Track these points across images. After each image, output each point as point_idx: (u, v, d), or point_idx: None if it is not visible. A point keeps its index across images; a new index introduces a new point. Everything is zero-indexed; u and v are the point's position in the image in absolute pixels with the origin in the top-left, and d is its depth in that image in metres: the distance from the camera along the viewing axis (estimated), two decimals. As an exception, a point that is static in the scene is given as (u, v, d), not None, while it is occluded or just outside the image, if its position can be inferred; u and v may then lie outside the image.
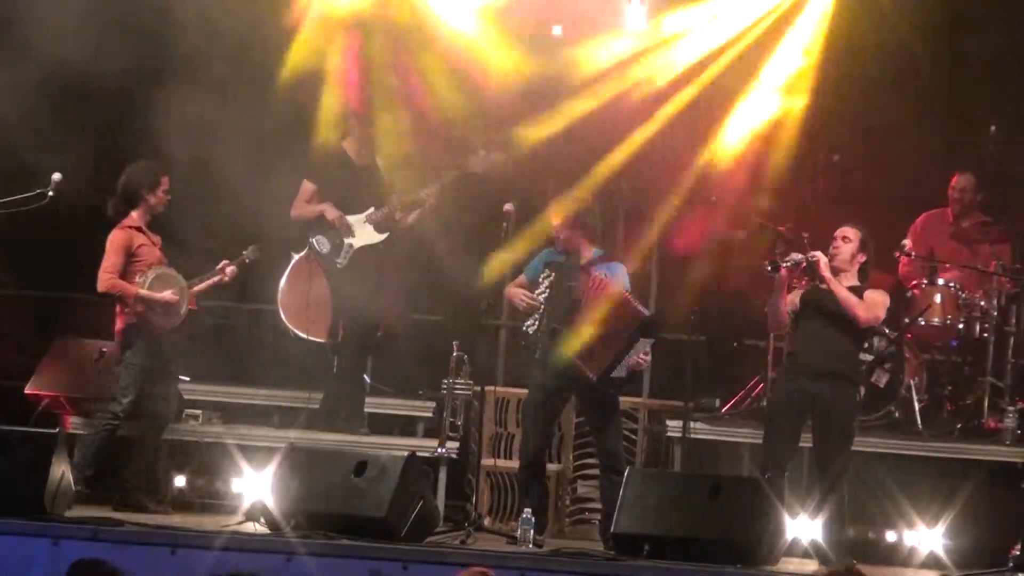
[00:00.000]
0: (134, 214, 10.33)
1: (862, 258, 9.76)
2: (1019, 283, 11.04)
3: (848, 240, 9.73)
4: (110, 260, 10.27)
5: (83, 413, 10.99)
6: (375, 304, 11.02)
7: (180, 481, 10.93)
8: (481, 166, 10.97)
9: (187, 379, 11.46)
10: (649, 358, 9.82)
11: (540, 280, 9.86)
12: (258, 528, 9.53)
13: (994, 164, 11.92)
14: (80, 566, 6.78)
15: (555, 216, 10.01)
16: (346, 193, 10.95)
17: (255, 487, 10.01)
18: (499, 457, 10.89)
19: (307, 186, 11.04)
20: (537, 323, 9.79)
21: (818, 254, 9.66)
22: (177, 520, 9.99)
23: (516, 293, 9.97)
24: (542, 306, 9.77)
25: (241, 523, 9.74)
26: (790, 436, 9.65)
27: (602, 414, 9.88)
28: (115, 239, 10.32)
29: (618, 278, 9.88)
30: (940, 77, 12.19)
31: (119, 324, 10.32)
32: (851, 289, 9.68)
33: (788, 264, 9.62)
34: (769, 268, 9.64)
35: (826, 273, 9.61)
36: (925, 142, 12.08)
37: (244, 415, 11.32)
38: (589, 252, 9.94)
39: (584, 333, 9.66)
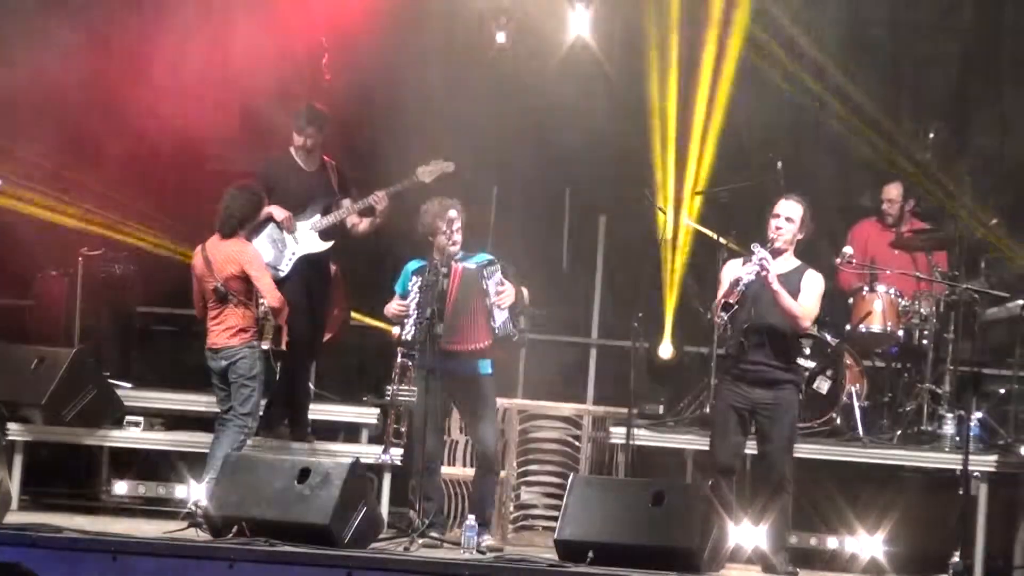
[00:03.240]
0: (243, 232, 10.28)
1: (800, 235, 9.74)
2: (957, 290, 11.13)
3: (791, 221, 9.66)
4: (268, 276, 10.23)
5: (20, 419, 10.90)
6: (319, 311, 11.02)
7: (121, 488, 10.86)
8: (430, 176, 10.97)
9: (128, 385, 11.43)
10: (507, 286, 9.88)
11: (410, 288, 9.93)
12: (200, 534, 9.48)
13: (933, 170, 12.03)
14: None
15: (451, 218, 9.96)
16: (294, 199, 10.91)
17: (197, 494, 9.98)
18: (443, 464, 10.86)
19: None
20: (413, 328, 9.84)
21: (766, 270, 9.54)
22: (118, 527, 9.93)
23: (389, 307, 10.04)
24: (415, 311, 9.83)
25: (183, 529, 9.68)
26: (735, 443, 9.65)
27: (477, 407, 9.95)
28: (259, 256, 10.31)
29: (477, 262, 9.98)
30: (879, 82, 12.30)
31: (240, 340, 10.14)
32: (790, 272, 9.63)
33: (744, 290, 9.54)
34: (724, 315, 9.51)
35: (775, 287, 9.57)
36: (863, 148, 12.19)
37: (186, 422, 11.26)
38: (456, 250, 10.03)
39: (452, 318, 9.78)
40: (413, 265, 10.03)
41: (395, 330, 10.33)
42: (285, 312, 10.25)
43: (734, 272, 9.68)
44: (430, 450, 9.94)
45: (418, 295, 9.86)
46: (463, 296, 9.85)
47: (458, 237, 9.96)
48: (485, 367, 9.97)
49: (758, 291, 9.57)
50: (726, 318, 9.51)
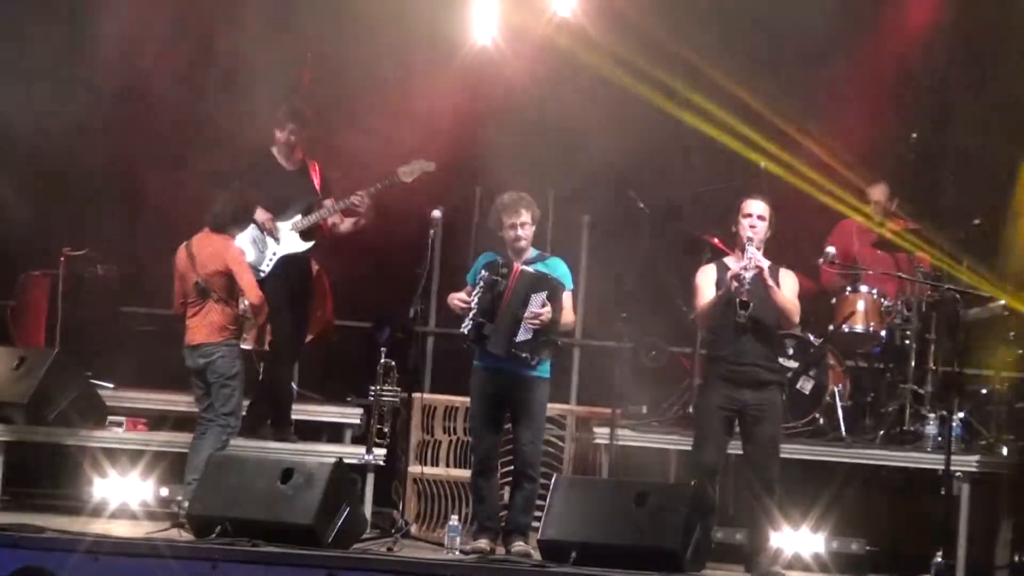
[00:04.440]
0: (231, 232, 10.26)
1: (769, 233, 9.78)
2: (939, 290, 11.15)
3: (763, 218, 9.72)
4: (251, 275, 10.21)
5: (2, 419, 10.87)
6: (301, 311, 10.99)
7: (103, 488, 10.83)
8: (410, 176, 10.96)
9: (111, 386, 11.41)
10: (548, 310, 9.63)
11: (477, 282, 9.78)
12: (183, 535, 9.47)
13: (915, 171, 12.06)
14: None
15: (515, 214, 9.80)
16: (274, 198, 10.88)
17: (178, 494, 9.98)
18: (426, 464, 10.88)
19: None
20: (469, 322, 9.70)
21: (760, 264, 9.60)
22: (100, 527, 9.91)
23: (452, 298, 9.87)
24: (475, 306, 9.70)
25: (166, 530, 9.67)
26: (720, 443, 9.66)
27: (526, 415, 9.74)
28: (242, 254, 10.29)
29: (555, 271, 9.82)
30: (862, 83, 12.34)
31: (220, 337, 10.10)
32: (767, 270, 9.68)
33: (748, 288, 9.54)
34: (744, 312, 9.49)
35: (770, 282, 9.62)
36: (847, 150, 12.22)
37: (168, 422, 11.24)
38: (528, 252, 9.88)
39: (502, 323, 9.62)
40: (485, 258, 9.86)
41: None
42: (265, 311, 10.23)
43: (711, 276, 9.72)
44: (486, 450, 9.78)
45: (480, 291, 9.70)
46: (515, 299, 9.66)
47: (522, 232, 9.75)
48: (543, 369, 9.74)
49: (751, 290, 9.60)
50: (746, 315, 9.51)
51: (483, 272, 9.76)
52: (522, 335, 9.62)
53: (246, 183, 10.58)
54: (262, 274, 10.80)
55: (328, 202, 10.99)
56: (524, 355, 9.62)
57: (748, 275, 9.54)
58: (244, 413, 10.62)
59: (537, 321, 9.62)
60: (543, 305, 9.63)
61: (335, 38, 11.94)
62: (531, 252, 9.87)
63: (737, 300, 9.49)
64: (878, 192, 11.84)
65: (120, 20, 11.65)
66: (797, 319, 9.80)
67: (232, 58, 11.81)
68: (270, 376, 11.01)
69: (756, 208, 9.74)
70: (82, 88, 11.61)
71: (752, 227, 9.69)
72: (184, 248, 10.22)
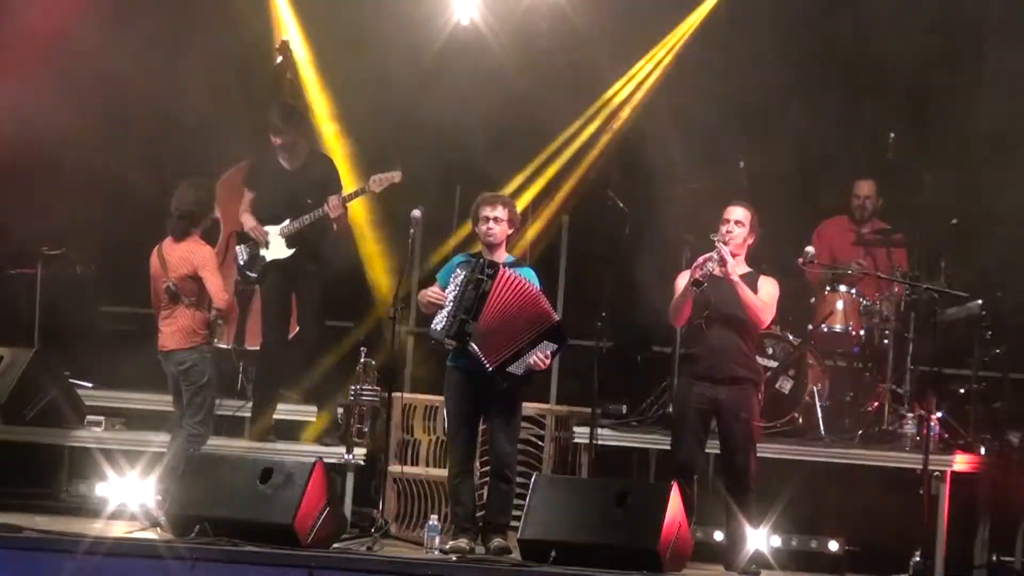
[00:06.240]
0: (196, 231, 10.17)
1: (751, 240, 9.83)
2: (917, 290, 11.18)
3: (741, 224, 9.77)
4: (219, 278, 10.10)
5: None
6: (284, 313, 11.00)
7: (82, 487, 10.82)
8: (379, 186, 10.89)
9: (89, 385, 11.38)
10: (549, 362, 9.69)
11: (451, 279, 9.70)
12: (161, 534, 9.46)
13: (893, 171, 12.09)
14: None
15: (491, 208, 9.77)
16: (273, 202, 10.89)
17: (159, 493, 9.97)
18: (406, 464, 10.88)
19: (247, 195, 11.01)
20: (445, 320, 9.63)
21: (728, 262, 9.64)
22: (79, 527, 9.89)
23: (424, 292, 9.79)
24: (451, 303, 9.62)
25: (144, 529, 9.66)
26: (697, 442, 9.69)
27: (502, 415, 9.72)
28: (212, 257, 10.16)
29: (531, 280, 9.82)
30: (840, 83, 12.37)
31: (190, 342, 10.05)
32: (745, 277, 9.72)
33: (708, 274, 9.62)
34: (696, 289, 9.61)
35: (735, 278, 9.66)
36: (826, 149, 12.25)
37: (148, 421, 11.23)
38: (503, 255, 9.86)
39: (491, 324, 9.55)
40: (460, 258, 9.82)
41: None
42: (234, 314, 10.19)
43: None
44: (463, 452, 9.73)
45: (460, 288, 9.61)
46: (506, 305, 9.56)
47: (494, 226, 9.68)
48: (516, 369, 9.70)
49: (719, 285, 9.64)
50: (698, 292, 9.57)
51: (459, 271, 9.67)
52: (516, 368, 9.59)
53: (206, 177, 10.53)
54: (252, 277, 10.84)
55: (334, 197, 10.84)
56: (505, 383, 9.58)
57: (711, 266, 9.59)
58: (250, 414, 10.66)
59: (536, 367, 9.61)
60: (547, 356, 9.62)
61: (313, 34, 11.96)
62: (507, 257, 9.84)
63: (692, 278, 9.55)
64: (866, 187, 11.89)
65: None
66: (765, 318, 9.80)
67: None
68: (256, 377, 11.03)
69: (734, 214, 9.79)
70: (62, 89, 11.57)
71: (728, 232, 9.75)
72: (156, 252, 10.18)
